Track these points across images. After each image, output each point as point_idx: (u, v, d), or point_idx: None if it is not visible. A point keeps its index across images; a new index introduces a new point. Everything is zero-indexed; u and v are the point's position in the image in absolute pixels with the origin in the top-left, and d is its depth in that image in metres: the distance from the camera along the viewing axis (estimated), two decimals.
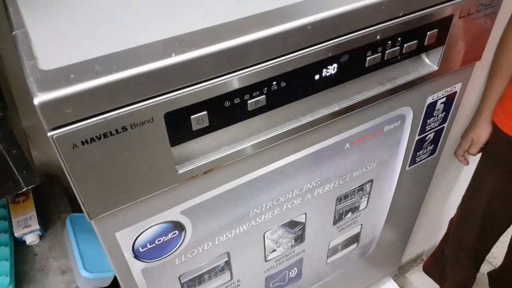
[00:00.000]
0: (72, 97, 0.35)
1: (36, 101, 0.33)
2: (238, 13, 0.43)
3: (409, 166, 0.77)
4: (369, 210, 0.79)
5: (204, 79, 0.40)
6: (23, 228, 0.84)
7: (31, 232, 0.84)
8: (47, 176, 0.89)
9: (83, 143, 0.37)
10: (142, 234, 0.49)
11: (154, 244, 0.51)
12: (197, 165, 0.46)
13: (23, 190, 0.55)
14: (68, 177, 0.39)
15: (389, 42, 0.51)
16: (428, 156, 0.78)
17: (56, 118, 0.35)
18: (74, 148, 0.37)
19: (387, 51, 0.52)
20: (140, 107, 0.38)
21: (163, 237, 0.51)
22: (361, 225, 0.81)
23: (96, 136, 0.38)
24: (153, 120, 0.40)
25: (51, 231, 0.88)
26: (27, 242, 0.84)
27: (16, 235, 0.83)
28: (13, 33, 0.42)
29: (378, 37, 0.50)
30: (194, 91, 0.40)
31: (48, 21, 0.43)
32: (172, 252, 0.54)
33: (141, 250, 0.51)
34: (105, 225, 0.46)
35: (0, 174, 0.52)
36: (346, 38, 0.47)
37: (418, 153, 0.75)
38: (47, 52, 0.39)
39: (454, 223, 1.09)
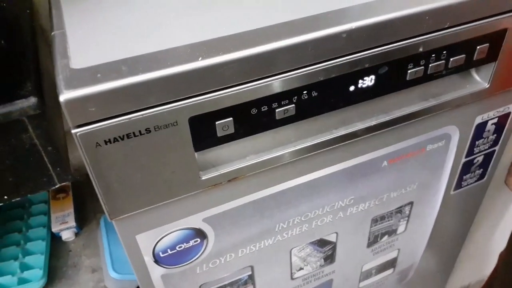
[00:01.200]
0: (97, 96, 0.35)
1: (62, 98, 0.34)
2: (270, 19, 0.42)
3: (454, 190, 0.71)
4: (408, 234, 0.74)
5: (230, 85, 0.39)
6: (60, 224, 0.87)
7: (67, 228, 0.87)
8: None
9: (106, 142, 0.38)
10: (163, 239, 0.49)
11: (175, 250, 0.51)
12: (221, 172, 0.45)
13: (57, 186, 0.57)
14: (90, 175, 0.40)
15: (433, 55, 0.48)
16: (476, 181, 0.73)
17: (80, 116, 0.36)
18: (97, 147, 0.38)
19: (430, 65, 0.49)
20: (164, 110, 0.38)
21: (184, 244, 0.51)
22: (399, 249, 0.76)
23: (119, 136, 0.38)
24: (177, 124, 0.39)
25: (87, 229, 0.90)
26: (63, 238, 0.87)
27: (53, 230, 0.86)
28: (52, 33, 0.43)
29: (421, 49, 0.47)
30: (220, 96, 0.39)
31: (87, 23, 0.44)
32: (193, 260, 0.53)
33: (161, 255, 0.50)
34: (126, 226, 0.46)
35: (35, 170, 0.54)
36: (384, 49, 0.44)
37: (464, 177, 0.70)
38: (80, 52, 0.39)
39: (503, 258, 1.00)
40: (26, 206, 0.98)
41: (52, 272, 0.85)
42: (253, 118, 0.43)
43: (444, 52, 0.48)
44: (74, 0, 0.49)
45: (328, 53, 0.42)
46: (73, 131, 0.36)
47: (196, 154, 0.42)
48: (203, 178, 0.45)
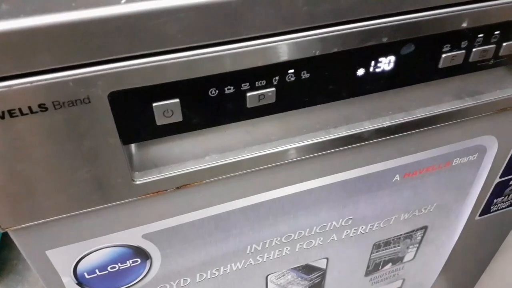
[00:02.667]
0: None
1: None
2: None
3: (479, 216, 0.57)
4: (416, 263, 0.61)
5: (174, 48, 0.26)
6: None
7: None
8: None
9: None
10: (88, 257, 0.36)
11: (106, 271, 0.38)
12: (166, 175, 0.32)
13: None
14: None
15: (481, 35, 0.34)
16: (508, 206, 0.59)
17: None
18: None
19: (474, 49, 0.35)
20: (68, 78, 0.25)
21: (119, 264, 0.38)
22: (404, 279, 0.63)
23: None
24: (89, 101, 0.26)
25: None
26: None
27: None
28: None
29: (464, 25, 0.33)
30: (158, 64, 0.26)
31: None
32: (132, 285, 0.40)
33: (87, 276, 0.37)
34: (28, 239, 0.33)
35: None
36: (413, 18, 0.31)
37: (495, 201, 0.56)
38: None
39: None
40: None
41: (0, 265, 0.74)
42: (211, 103, 0.30)
43: (497, 32, 0.34)
44: None
45: (330, 15, 0.28)
46: None
47: (124, 148, 0.29)
48: (138, 182, 0.32)
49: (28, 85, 0.24)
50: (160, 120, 0.29)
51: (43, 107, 0.25)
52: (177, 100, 0.28)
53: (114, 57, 0.25)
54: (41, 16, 0.23)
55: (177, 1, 0.24)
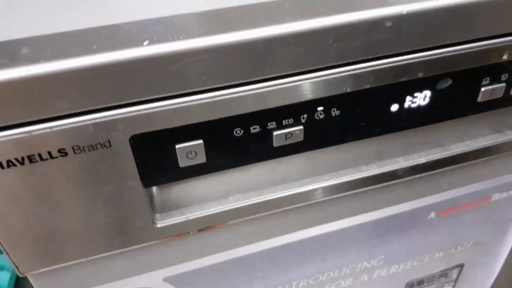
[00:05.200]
0: None
1: None
2: None
3: None
4: None
5: (197, 90, 0.25)
6: None
7: None
8: None
9: None
10: None
11: None
12: (188, 217, 0.31)
13: None
14: None
15: None
16: None
17: None
18: None
19: None
20: (88, 123, 0.24)
21: None
22: None
23: (17, 159, 0.24)
24: (110, 145, 0.25)
25: None
26: None
27: None
28: None
29: (505, 57, 0.31)
30: (181, 106, 0.25)
31: None
32: None
33: None
34: (48, 283, 0.32)
35: None
36: (450, 52, 0.29)
37: None
38: None
39: None
40: None
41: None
42: (236, 143, 0.28)
43: None
44: None
45: (362, 51, 0.27)
46: None
47: (145, 190, 0.28)
48: (159, 225, 0.30)
49: (48, 130, 0.23)
50: (183, 162, 0.28)
51: (63, 152, 0.24)
52: (200, 141, 0.27)
53: (136, 100, 0.24)
54: (61, 60, 0.22)
55: (199, 42, 0.23)
